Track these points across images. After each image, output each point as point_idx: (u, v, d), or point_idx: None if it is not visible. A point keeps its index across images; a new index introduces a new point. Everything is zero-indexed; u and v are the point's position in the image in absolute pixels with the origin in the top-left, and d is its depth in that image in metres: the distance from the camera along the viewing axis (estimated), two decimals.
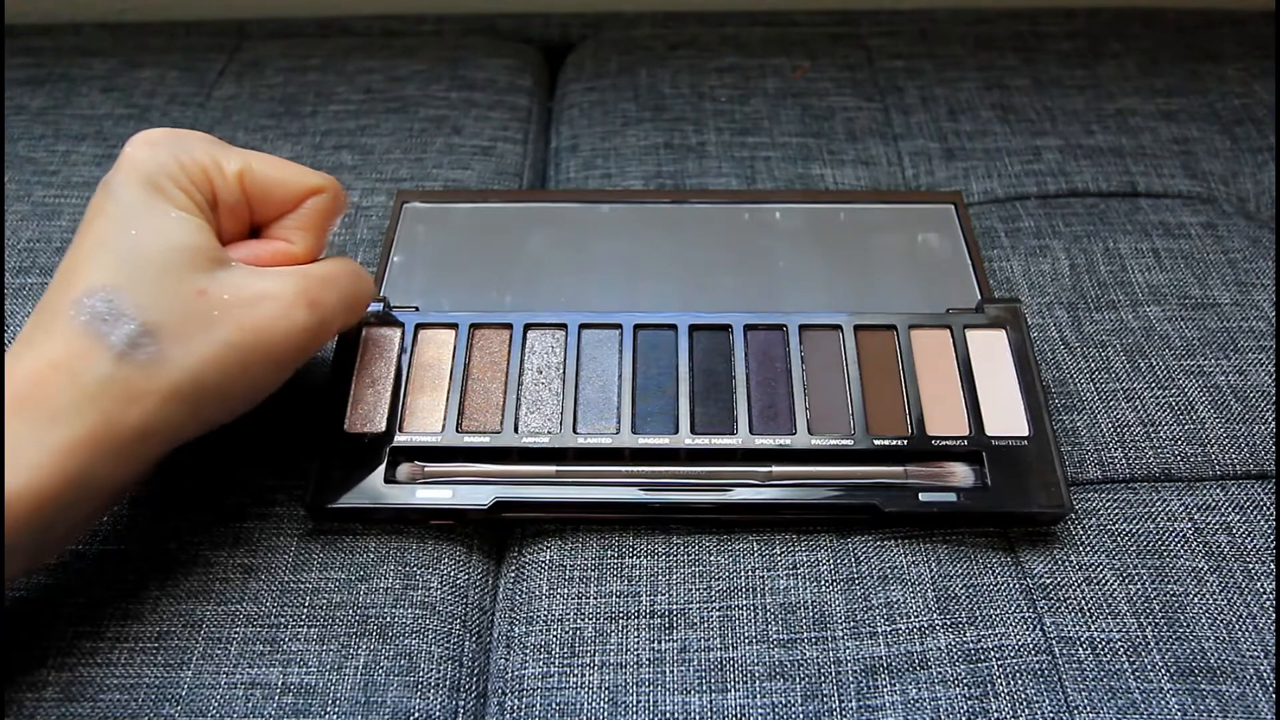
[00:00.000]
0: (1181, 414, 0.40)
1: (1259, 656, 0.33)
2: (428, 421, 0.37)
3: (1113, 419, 0.40)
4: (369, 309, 0.40)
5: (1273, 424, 0.39)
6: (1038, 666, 0.33)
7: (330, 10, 0.64)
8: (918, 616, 0.34)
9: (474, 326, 0.40)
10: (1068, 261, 0.46)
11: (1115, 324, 0.43)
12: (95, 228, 0.31)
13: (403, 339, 0.39)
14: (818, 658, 0.33)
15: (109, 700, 0.32)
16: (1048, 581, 0.35)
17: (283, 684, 0.32)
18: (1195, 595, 0.34)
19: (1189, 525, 0.37)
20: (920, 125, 0.54)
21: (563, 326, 0.40)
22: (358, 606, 0.34)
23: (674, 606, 0.35)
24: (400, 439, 0.36)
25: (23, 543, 0.28)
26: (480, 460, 0.36)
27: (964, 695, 0.32)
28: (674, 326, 0.40)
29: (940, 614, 0.34)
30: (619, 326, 0.40)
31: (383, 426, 0.37)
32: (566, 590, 0.35)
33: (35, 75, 0.58)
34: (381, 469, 0.36)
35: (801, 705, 0.32)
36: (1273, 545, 0.36)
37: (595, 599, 0.35)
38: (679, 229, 0.45)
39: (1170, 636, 0.33)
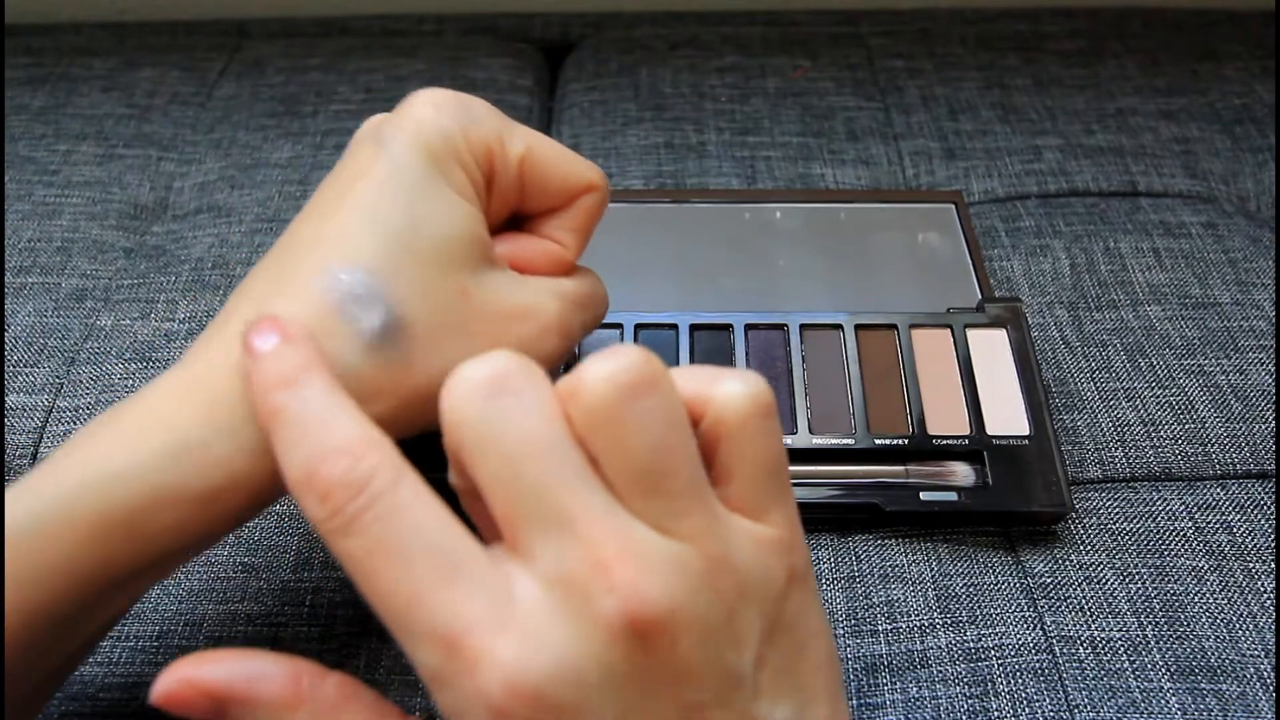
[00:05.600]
0: (1182, 413, 0.40)
1: (1259, 656, 0.33)
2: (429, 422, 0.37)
3: (1113, 418, 0.40)
4: None
5: (1273, 423, 0.39)
6: (1038, 665, 0.33)
7: (330, 10, 0.64)
8: (918, 615, 0.34)
9: None
10: (1068, 261, 0.46)
11: (1116, 323, 0.43)
12: (362, 192, 0.26)
13: None
14: None
15: (109, 700, 0.32)
16: (1048, 581, 0.35)
17: None
18: (1196, 594, 0.34)
19: (1189, 524, 0.37)
20: (920, 125, 0.54)
21: None
22: (359, 606, 0.34)
23: None
24: (401, 439, 0.36)
25: (226, 527, 0.25)
26: None
27: (964, 694, 0.32)
28: (675, 326, 0.40)
29: (941, 613, 0.34)
30: (620, 326, 0.40)
31: None
32: None
33: (35, 75, 0.58)
34: None
35: None
36: (1273, 545, 0.36)
37: None
38: (679, 229, 0.45)
39: (1170, 636, 0.33)
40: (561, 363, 0.30)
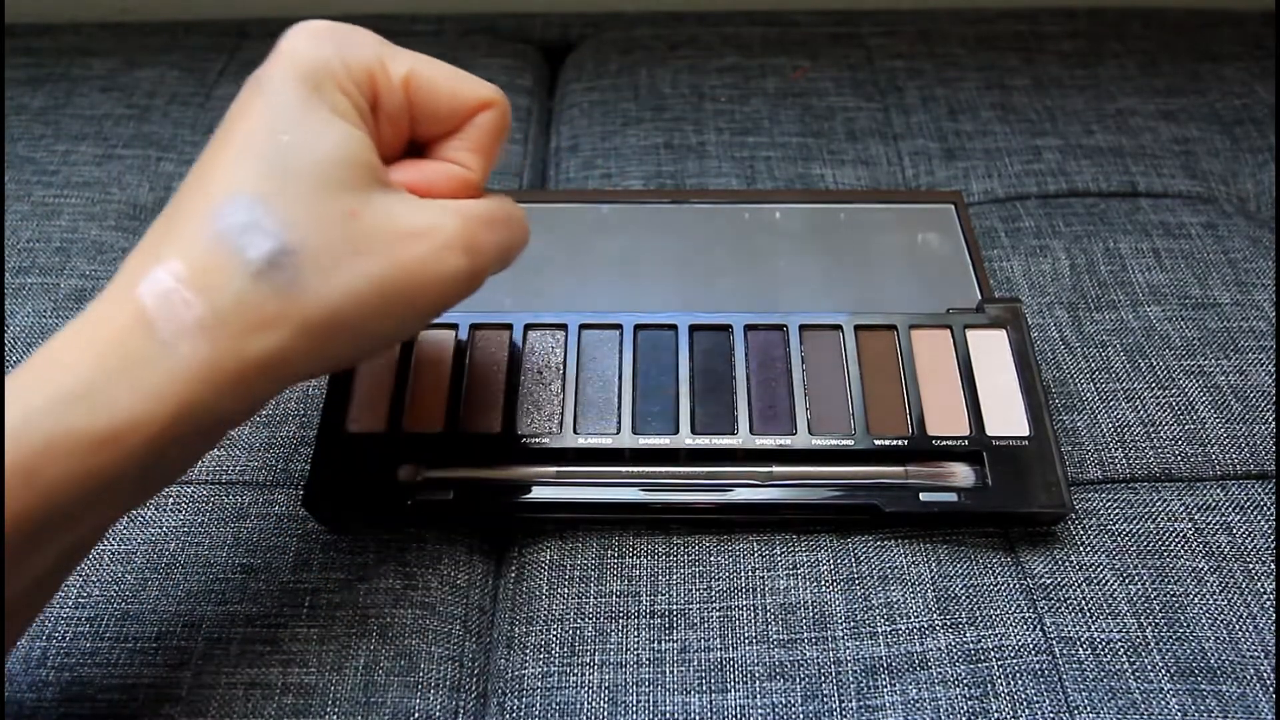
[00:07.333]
0: (1181, 414, 0.40)
1: (1259, 656, 0.33)
2: (428, 422, 0.37)
3: (1113, 419, 0.40)
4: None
5: (1273, 424, 0.39)
6: (1038, 666, 0.33)
7: (329, 11, 0.64)
8: (918, 617, 0.34)
9: (474, 327, 0.40)
10: (1068, 261, 0.46)
11: (1115, 324, 0.43)
12: (241, 128, 0.27)
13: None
14: (818, 658, 0.33)
15: (109, 700, 0.32)
16: (1048, 581, 0.35)
17: (283, 684, 0.32)
18: (1195, 595, 0.34)
19: (1189, 525, 0.37)
20: (920, 125, 0.54)
21: (563, 327, 0.40)
22: (358, 607, 0.34)
23: (674, 606, 0.35)
24: (400, 439, 0.36)
25: (131, 476, 0.25)
26: (480, 460, 0.36)
27: (964, 695, 0.32)
28: (674, 326, 0.40)
29: (940, 614, 0.34)
30: (619, 326, 0.40)
31: (383, 426, 0.37)
32: (566, 590, 0.35)
33: (35, 75, 0.58)
34: (382, 469, 0.36)
35: (802, 705, 0.32)
36: (1273, 545, 0.36)
37: (595, 599, 0.35)
38: (679, 229, 0.45)
39: (1170, 636, 0.33)
40: (472, 284, 0.29)
